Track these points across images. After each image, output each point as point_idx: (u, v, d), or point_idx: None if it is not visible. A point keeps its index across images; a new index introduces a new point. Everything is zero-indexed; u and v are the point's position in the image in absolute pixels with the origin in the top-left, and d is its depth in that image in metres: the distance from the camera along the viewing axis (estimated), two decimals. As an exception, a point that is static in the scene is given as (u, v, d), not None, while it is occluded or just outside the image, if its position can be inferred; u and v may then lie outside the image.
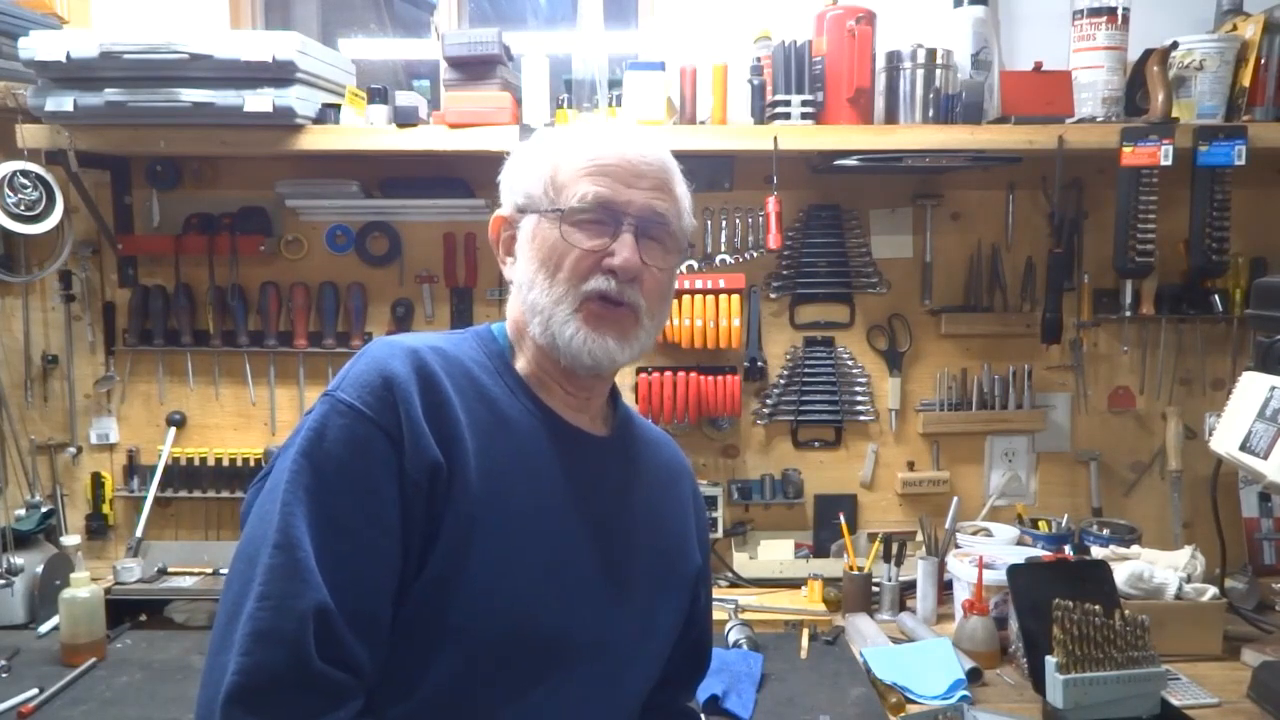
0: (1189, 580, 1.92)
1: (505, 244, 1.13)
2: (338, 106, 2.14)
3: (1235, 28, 2.24)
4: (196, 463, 2.38)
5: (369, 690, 0.94)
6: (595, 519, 1.08)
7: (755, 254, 2.36)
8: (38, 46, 1.95)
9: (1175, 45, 2.17)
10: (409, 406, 0.95)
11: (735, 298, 2.31)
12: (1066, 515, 2.33)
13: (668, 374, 2.32)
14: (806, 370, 2.41)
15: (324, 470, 0.92)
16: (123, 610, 2.11)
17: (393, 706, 0.95)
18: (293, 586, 0.88)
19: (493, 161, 2.09)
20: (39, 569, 2.11)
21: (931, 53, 2.16)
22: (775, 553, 2.38)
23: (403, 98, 2.13)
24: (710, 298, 2.30)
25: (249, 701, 0.85)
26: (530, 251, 1.07)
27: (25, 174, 2.13)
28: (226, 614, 0.90)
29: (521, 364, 1.10)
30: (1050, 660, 1.57)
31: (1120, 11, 2.17)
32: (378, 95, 2.13)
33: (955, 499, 2.29)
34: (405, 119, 2.11)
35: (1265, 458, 1.57)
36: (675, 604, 1.19)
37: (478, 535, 0.97)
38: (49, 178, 2.15)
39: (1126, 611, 1.61)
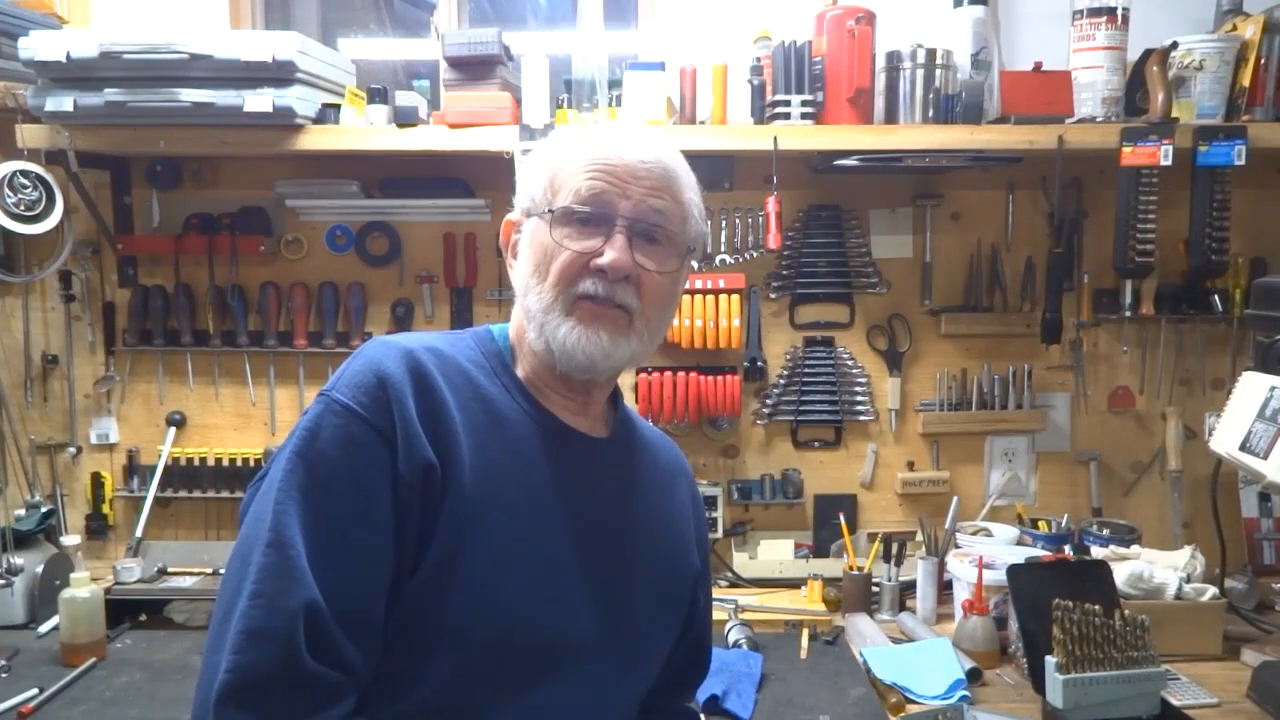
0: (1189, 580, 1.92)
1: (513, 248, 1.12)
2: (338, 106, 2.14)
3: (1235, 28, 2.24)
4: (196, 463, 2.38)
5: (363, 690, 0.93)
6: (592, 520, 1.07)
7: (755, 254, 2.36)
8: (38, 46, 1.95)
9: (1175, 45, 2.17)
10: (403, 407, 0.95)
11: (735, 298, 2.31)
12: (1066, 515, 2.32)
13: (668, 374, 2.32)
14: (806, 370, 2.41)
15: (317, 470, 0.92)
16: (123, 610, 2.11)
17: (388, 707, 0.95)
18: (284, 585, 0.88)
19: (493, 161, 2.15)
20: (39, 569, 2.11)
21: (931, 53, 2.16)
22: (775, 553, 2.38)
23: (403, 98, 2.13)
24: (710, 298, 2.30)
25: (240, 700, 0.85)
26: (528, 254, 1.06)
27: (25, 174, 2.12)
28: (221, 612, 0.90)
29: (522, 369, 1.10)
30: (1050, 660, 1.57)
31: (1120, 11, 2.17)
32: (378, 95, 2.13)
33: (955, 499, 2.29)
34: (405, 119, 2.11)
35: (1265, 458, 1.57)
36: (673, 606, 1.19)
37: (472, 535, 0.96)
38: (49, 178, 2.15)
39: (1126, 611, 1.61)
